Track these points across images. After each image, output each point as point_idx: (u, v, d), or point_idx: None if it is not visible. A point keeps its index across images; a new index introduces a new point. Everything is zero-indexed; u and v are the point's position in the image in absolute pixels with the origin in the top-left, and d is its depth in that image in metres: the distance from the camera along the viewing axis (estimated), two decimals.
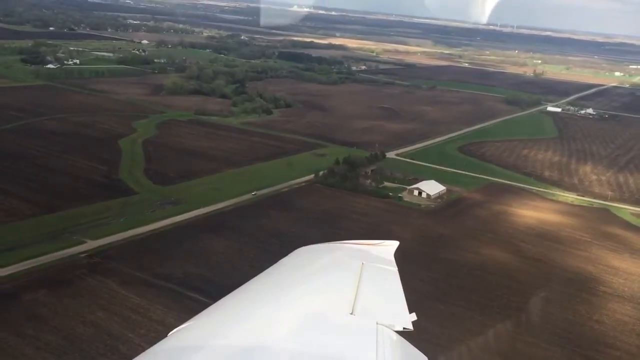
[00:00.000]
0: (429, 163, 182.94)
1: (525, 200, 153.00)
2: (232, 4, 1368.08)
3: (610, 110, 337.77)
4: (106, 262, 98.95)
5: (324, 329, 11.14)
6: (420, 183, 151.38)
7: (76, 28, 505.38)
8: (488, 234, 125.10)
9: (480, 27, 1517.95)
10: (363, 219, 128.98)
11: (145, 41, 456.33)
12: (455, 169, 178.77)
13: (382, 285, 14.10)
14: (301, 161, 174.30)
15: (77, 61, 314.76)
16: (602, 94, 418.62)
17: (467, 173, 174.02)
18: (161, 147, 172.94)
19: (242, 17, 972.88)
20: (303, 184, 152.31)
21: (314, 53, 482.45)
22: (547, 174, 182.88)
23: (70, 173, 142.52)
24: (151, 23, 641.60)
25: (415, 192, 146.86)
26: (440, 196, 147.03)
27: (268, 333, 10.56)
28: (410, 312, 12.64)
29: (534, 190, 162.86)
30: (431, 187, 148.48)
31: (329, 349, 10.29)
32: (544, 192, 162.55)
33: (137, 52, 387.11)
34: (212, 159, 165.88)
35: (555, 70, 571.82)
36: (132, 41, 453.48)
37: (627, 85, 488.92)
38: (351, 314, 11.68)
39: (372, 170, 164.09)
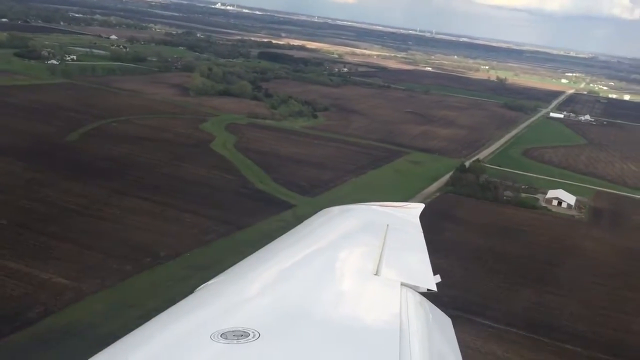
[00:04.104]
0: (515, 170, 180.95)
1: None
2: (156, 0, 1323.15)
3: (597, 116, 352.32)
4: None
5: (348, 289, 11.15)
6: (552, 192, 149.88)
7: (29, 20, 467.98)
8: None
9: (402, 31, 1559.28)
10: (537, 232, 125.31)
11: (114, 36, 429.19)
12: (544, 175, 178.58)
13: (407, 247, 14.13)
14: (404, 169, 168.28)
15: (74, 57, 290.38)
16: (573, 101, 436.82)
17: (562, 181, 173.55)
18: (260, 153, 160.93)
19: (175, 14, 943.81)
20: (437, 194, 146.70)
21: (281, 53, 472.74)
22: (629, 181, 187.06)
23: (206, 184, 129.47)
24: (97, 17, 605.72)
25: (555, 202, 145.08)
26: (577, 206, 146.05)
27: (291, 292, 10.50)
28: (435, 274, 12.61)
29: None
30: (567, 197, 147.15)
31: (352, 308, 10.25)
32: None
33: (117, 48, 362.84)
34: (322, 167, 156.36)
35: (505, 76, 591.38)
36: (100, 36, 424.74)
37: (585, 93, 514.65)
38: (375, 274, 11.64)
39: (486, 179, 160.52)
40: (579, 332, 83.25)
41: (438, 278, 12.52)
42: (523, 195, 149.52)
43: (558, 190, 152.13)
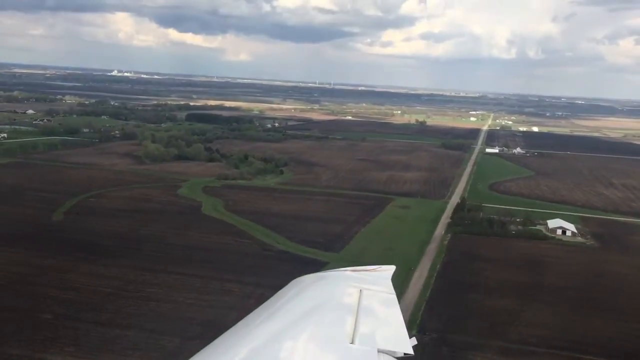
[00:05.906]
0: (495, 205, 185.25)
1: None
2: (51, 71, 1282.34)
3: (525, 148, 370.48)
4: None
5: None
6: (552, 222, 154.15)
7: None
8: None
9: (301, 84, 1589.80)
10: (564, 262, 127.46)
11: (30, 111, 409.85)
12: (524, 207, 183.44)
13: (381, 312, 14.18)
14: (400, 215, 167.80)
15: (5, 135, 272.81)
16: (495, 136, 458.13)
17: (543, 211, 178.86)
18: (257, 214, 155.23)
19: (77, 84, 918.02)
20: (449, 235, 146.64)
21: (208, 114, 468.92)
22: (600, 205, 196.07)
23: (227, 250, 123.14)
24: (0, 93, 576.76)
25: (559, 231, 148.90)
26: (580, 233, 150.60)
27: None
28: (410, 336, 12.77)
29: (628, 221, 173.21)
30: (568, 225, 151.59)
31: None
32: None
33: (42, 122, 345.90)
34: (325, 221, 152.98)
35: (422, 118, 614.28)
36: (15, 112, 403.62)
37: (498, 128, 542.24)
38: (351, 343, 11.74)
39: (485, 216, 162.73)
40: None
41: (414, 341, 12.42)
42: (522, 228, 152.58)
43: (556, 219, 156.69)
